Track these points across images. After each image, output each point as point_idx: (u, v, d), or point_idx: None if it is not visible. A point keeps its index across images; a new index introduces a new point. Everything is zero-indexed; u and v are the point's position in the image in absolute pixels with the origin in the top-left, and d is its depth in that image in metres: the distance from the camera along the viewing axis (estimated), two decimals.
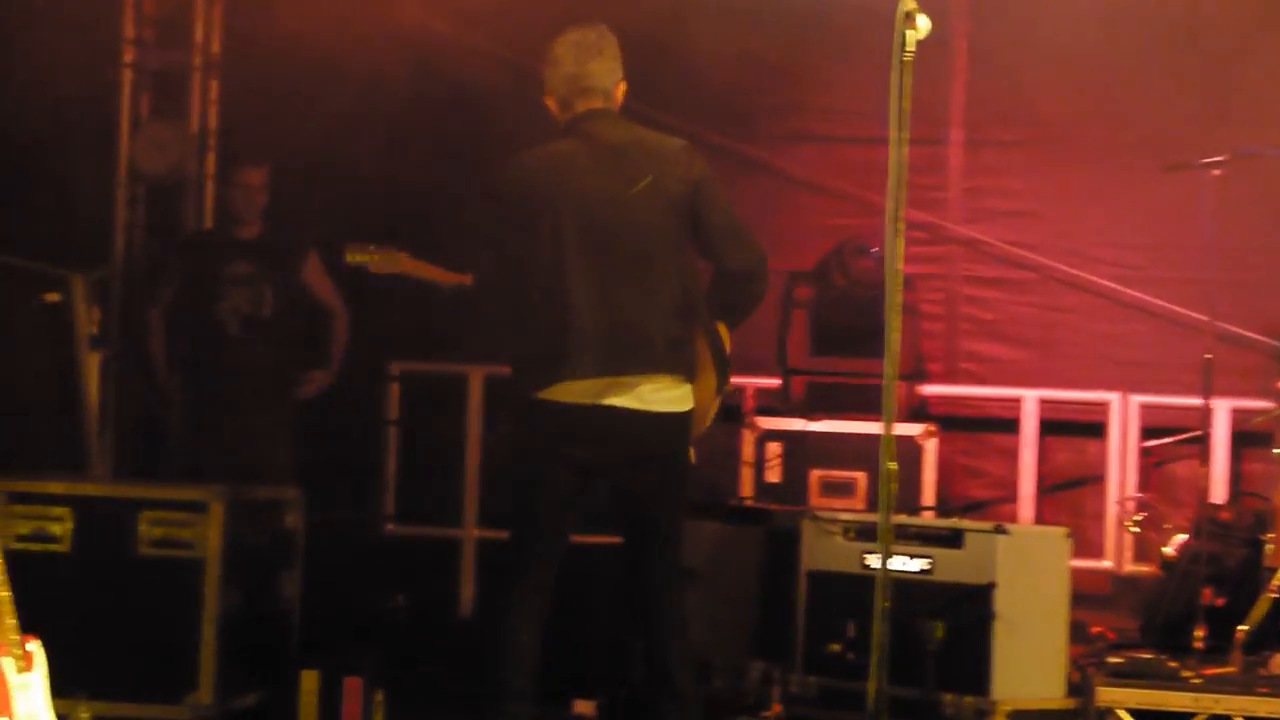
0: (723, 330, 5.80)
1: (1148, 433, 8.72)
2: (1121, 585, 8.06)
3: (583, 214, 5.56)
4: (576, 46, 5.74)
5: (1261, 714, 6.16)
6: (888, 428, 4.77)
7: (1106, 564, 8.47)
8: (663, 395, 5.56)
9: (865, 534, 6.56)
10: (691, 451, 5.72)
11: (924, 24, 4.82)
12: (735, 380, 8.30)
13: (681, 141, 5.75)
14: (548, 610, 5.60)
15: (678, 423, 5.61)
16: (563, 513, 5.63)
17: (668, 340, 5.57)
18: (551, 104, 5.78)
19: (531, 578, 5.60)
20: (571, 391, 5.50)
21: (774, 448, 8.22)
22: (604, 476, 5.64)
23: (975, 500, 8.84)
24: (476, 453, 8.52)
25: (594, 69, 5.72)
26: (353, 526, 8.36)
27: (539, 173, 5.63)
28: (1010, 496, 8.80)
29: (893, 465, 4.78)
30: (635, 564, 5.71)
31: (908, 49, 4.80)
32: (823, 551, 6.67)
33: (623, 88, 5.80)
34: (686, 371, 5.62)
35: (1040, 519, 8.64)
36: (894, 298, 4.80)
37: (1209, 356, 7.54)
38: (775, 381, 8.56)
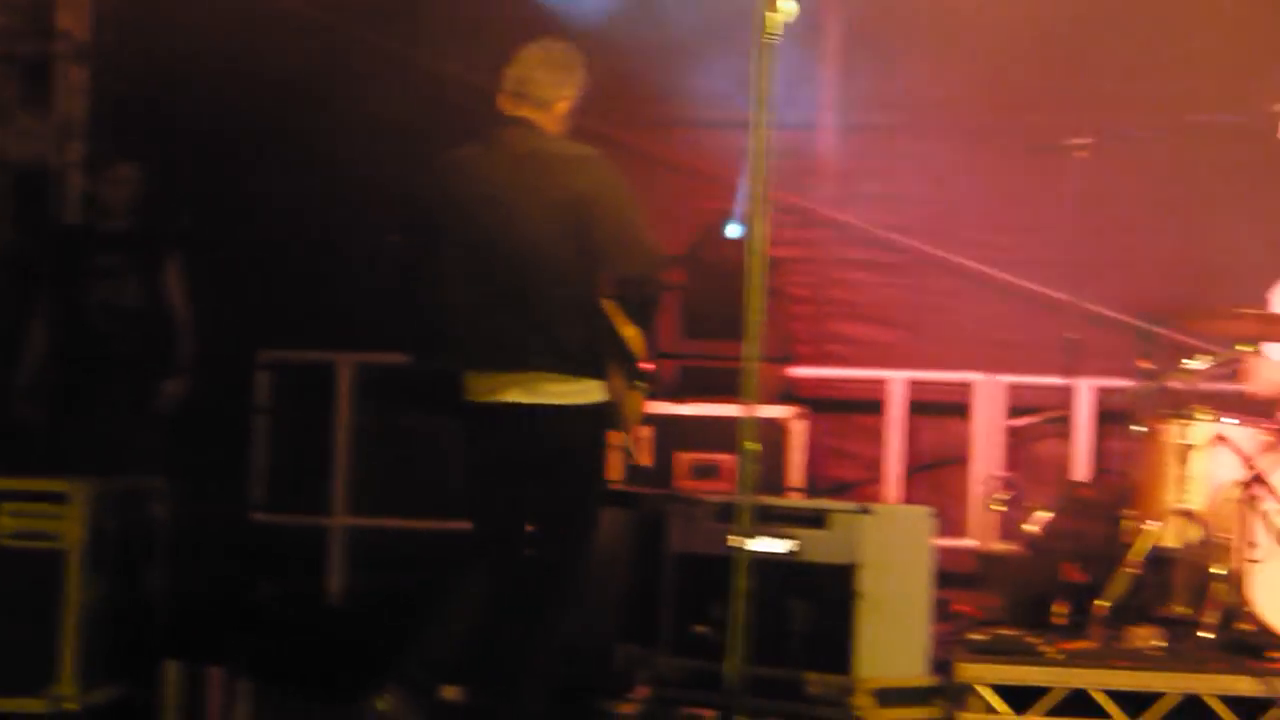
0: (633, 330, 5.92)
1: (1015, 412, 8.80)
2: (986, 563, 8.11)
3: (466, 220, 5.73)
4: (534, 52, 5.88)
5: (1115, 686, 6.25)
6: (748, 409, 4.83)
7: (971, 543, 8.52)
8: (556, 389, 5.67)
9: (730, 516, 6.54)
10: (624, 438, 5.94)
11: (789, 7, 4.87)
12: None
13: (585, 152, 5.85)
14: (484, 598, 5.77)
15: (579, 414, 5.75)
16: (498, 504, 5.82)
17: (549, 341, 5.70)
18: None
19: (476, 564, 5.81)
20: (474, 390, 5.70)
21: (644, 431, 8.24)
22: (522, 467, 5.77)
23: (842, 482, 8.90)
24: (346, 440, 8.52)
25: (536, 76, 5.84)
26: (220, 516, 8.31)
27: (438, 178, 5.84)
28: (877, 478, 8.86)
29: (754, 446, 4.82)
30: (536, 550, 5.87)
31: (770, 32, 4.85)
32: (689, 534, 6.67)
33: (564, 105, 5.85)
34: (580, 368, 5.76)
35: (907, 499, 8.68)
36: (755, 279, 4.86)
37: (1071, 336, 7.63)
38: (648, 365, 8.56)
